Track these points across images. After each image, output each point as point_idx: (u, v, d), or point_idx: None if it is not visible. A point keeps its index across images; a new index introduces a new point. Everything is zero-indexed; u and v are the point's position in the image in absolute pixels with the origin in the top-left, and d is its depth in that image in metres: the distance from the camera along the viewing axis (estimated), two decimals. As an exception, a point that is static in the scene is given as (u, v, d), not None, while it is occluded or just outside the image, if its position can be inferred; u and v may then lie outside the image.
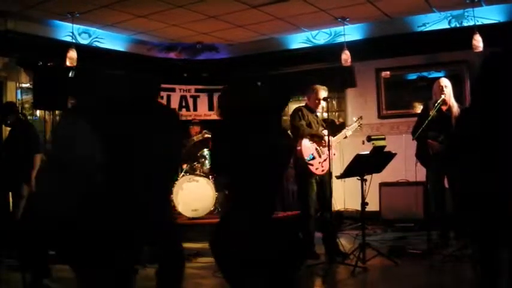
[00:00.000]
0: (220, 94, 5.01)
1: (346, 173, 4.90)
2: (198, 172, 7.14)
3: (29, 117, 6.59)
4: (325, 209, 5.24)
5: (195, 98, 8.80)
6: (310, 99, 5.50)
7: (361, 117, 5.96)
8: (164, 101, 8.35)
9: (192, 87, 8.77)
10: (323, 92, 5.39)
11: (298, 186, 5.47)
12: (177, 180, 6.75)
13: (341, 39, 7.73)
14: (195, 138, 7.50)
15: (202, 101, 8.84)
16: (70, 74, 6.58)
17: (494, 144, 2.46)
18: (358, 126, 5.89)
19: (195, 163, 7.25)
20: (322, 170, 5.25)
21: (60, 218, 2.76)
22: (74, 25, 7.12)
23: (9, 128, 5.74)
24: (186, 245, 5.83)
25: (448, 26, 7.20)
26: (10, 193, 5.63)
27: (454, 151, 5.01)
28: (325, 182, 5.25)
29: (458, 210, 5.52)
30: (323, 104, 5.42)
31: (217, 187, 6.96)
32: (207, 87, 8.87)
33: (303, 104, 5.62)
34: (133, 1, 6.33)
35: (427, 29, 7.35)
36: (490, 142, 2.46)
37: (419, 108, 7.70)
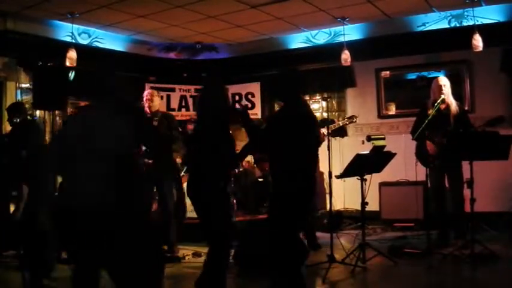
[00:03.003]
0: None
1: (346, 173, 4.90)
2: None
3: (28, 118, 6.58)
4: None
5: (195, 98, 8.80)
6: None
7: (355, 116, 5.95)
8: (164, 101, 8.35)
9: (192, 87, 8.77)
10: None
11: None
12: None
13: (341, 39, 7.72)
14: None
15: (202, 101, 8.83)
16: (70, 75, 6.59)
17: None
18: (347, 123, 5.90)
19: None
20: None
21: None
22: (74, 25, 7.12)
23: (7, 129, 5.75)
24: (186, 245, 5.86)
25: (447, 26, 7.20)
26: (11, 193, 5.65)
27: (453, 149, 5.05)
28: None
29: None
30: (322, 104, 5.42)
31: None
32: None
33: None
34: (133, 1, 6.33)
35: (426, 29, 7.35)
36: None
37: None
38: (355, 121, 5.81)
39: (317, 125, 4.21)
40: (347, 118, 5.90)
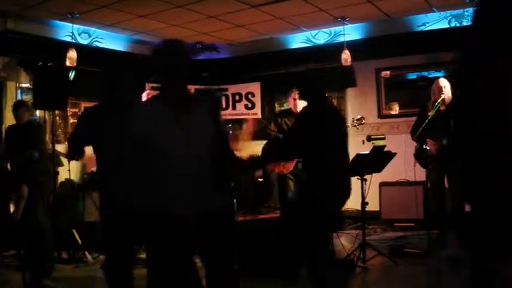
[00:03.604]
0: None
1: (346, 173, 4.89)
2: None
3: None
4: None
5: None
6: (289, 100, 5.55)
7: (363, 118, 5.94)
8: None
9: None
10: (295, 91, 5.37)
11: None
12: None
13: (341, 38, 7.73)
14: None
15: (203, 101, 8.84)
16: (70, 75, 6.59)
17: None
18: (355, 125, 5.87)
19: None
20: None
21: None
22: (74, 25, 7.12)
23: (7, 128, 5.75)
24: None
25: (448, 26, 7.20)
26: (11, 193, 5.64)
27: (454, 150, 5.04)
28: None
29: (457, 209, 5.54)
30: (300, 103, 5.35)
31: None
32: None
33: (287, 108, 5.71)
34: (134, 1, 6.33)
35: (427, 29, 7.35)
36: None
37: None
38: (364, 123, 5.80)
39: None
40: (356, 120, 5.88)
